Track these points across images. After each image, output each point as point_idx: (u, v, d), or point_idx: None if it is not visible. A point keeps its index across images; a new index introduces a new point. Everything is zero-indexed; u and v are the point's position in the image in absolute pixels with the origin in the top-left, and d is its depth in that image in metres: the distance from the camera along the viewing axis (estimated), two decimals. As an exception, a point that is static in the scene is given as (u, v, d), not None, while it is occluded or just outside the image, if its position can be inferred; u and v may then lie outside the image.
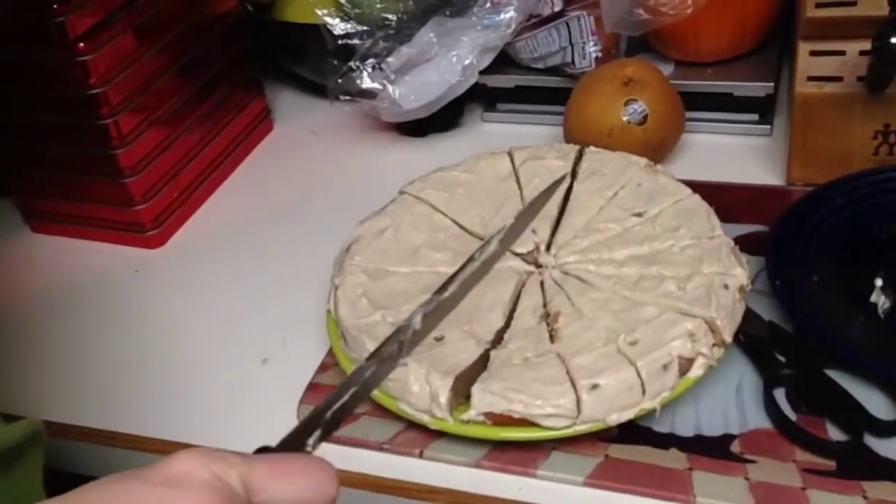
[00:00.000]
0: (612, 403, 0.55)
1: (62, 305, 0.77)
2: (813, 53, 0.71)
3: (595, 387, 0.55)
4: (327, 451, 0.59)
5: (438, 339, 0.59)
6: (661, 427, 0.57)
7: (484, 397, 0.55)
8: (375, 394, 0.59)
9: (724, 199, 0.69)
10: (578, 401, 0.54)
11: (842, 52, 0.70)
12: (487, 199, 0.71)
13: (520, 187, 0.72)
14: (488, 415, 0.55)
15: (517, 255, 0.67)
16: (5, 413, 0.65)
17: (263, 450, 0.38)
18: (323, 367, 0.65)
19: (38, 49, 0.74)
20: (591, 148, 0.74)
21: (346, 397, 0.42)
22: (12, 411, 0.66)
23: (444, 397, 0.55)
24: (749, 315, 0.61)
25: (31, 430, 0.53)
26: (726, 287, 0.60)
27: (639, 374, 0.55)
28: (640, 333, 0.57)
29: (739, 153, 0.81)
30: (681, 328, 0.57)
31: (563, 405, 0.54)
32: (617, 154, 0.73)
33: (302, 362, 0.66)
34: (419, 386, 0.56)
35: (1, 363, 0.71)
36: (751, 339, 0.61)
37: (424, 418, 0.57)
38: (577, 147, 0.74)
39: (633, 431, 0.57)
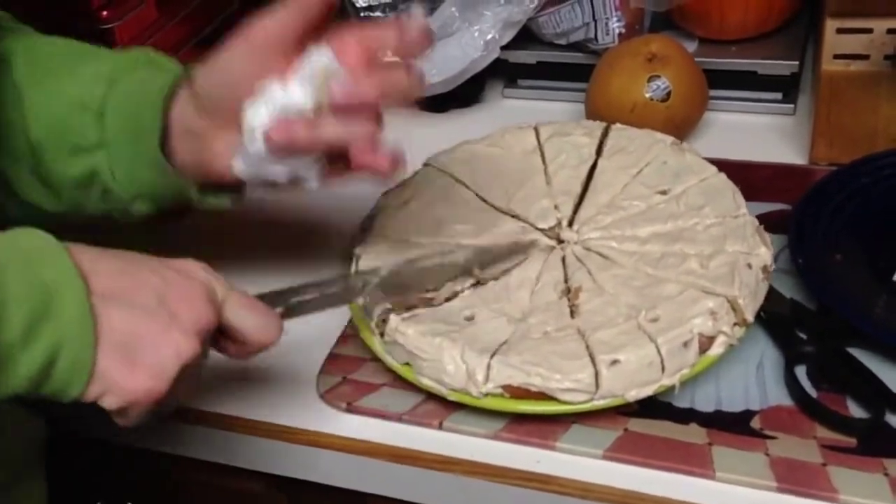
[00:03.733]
0: (632, 379, 0.55)
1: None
2: (840, 31, 0.71)
3: (615, 362, 0.55)
4: (349, 420, 0.59)
5: (469, 319, 0.60)
6: (681, 402, 0.57)
7: (502, 370, 0.55)
8: (395, 365, 0.59)
9: (747, 178, 0.69)
10: (597, 376, 0.54)
11: (869, 30, 0.70)
12: (511, 173, 0.71)
13: (544, 163, 0.72)
14: (506, 387, 0.55)
15: (539, 230, 0.67)
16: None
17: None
18: (343, 338, 0.65)
19: (63, 17, 0.74)
20: (617, 125, 0.73)
21: (306, 296, 0.57)
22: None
23: (481, 375, 0.55)
24: (771, 293, 0.61)
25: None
26: (750, 266, 0.60)
27: (659, 351, 0.55)
28: (661, 310, 0.57)
29: (763, 132, 0.81)
30: (702, 306, 0.57)
31: (582, 380, 0.54)
32: (643, 131, 0.72)
33: (322, 332, 0.66)
34: (454, 365, 0.56)
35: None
36: (773, 316, 0.61)
37: (443, 390, 0.57)
38: (604, 124, 0.74)
39: (652, 406, 0.57)
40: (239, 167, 0.55)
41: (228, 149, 0.55)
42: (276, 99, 0.52)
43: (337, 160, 0.54)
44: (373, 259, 0.64)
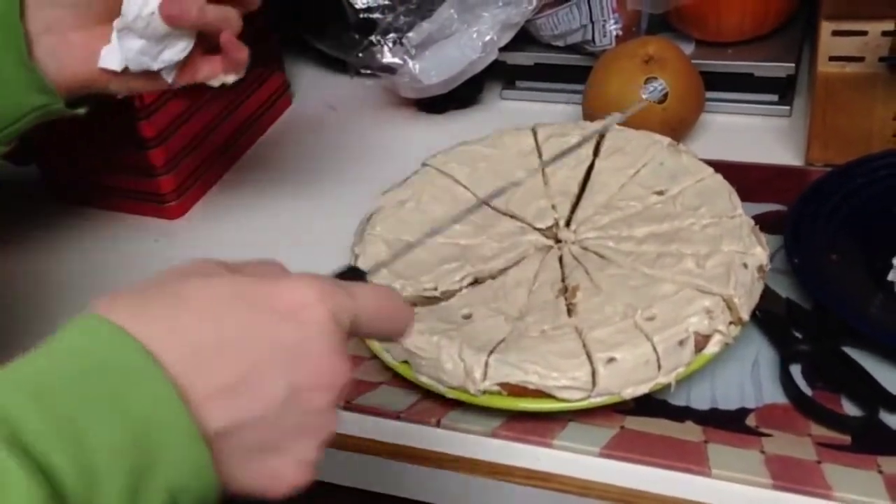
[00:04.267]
0: (628, 377, 0.55)
1: (81, 273, 0.78)
2: (835, 33, 0.71)
3: (611, 360, 0.55)
4: (347, 418, 0.60)
5: (467, 317, 0.60)
6: (677, 400, 0.58)
7: (500, 368, 0.56)
8: (393, 363, 0.60)
9: (743, 179, 0.69)
10: (594, 374, 0.55)
11: (864, 33, 0.70)
12: (509, 173, 0.72)
13: (543, 162, 0.72)
14: (504, 385, 0.56)
15: (537, 230, 0.67)
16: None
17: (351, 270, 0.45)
18: (342, 337, 0.65)
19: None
20: (615, 126, 0.74)
21: None
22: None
23: (478, 373, 0.56)
24: (767, 293, 0.61)
25: None
26: (745, 266, 0.60)
27: (655, 349, 0.55)
28: (657, 309, 0.58)
29: (759, 133, 0.81)
30: (698, 305, 0.57)
31: (579, 378, 0.55)
32: (640, 132, 0.73)
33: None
34: (452, 363, 0.56)
35: (20, 331, 0.72)
36: (768, 315, 0.61)
37: (441, 388, 0.57)
38: (601, 125, 0.74)
39: (648, 404, 0.57)
40: (111, 59, 0.58)
41: (92, 44, 0.58)
42: None
43: (196, 52, 0.60)
44: (371, 259, 0.65)
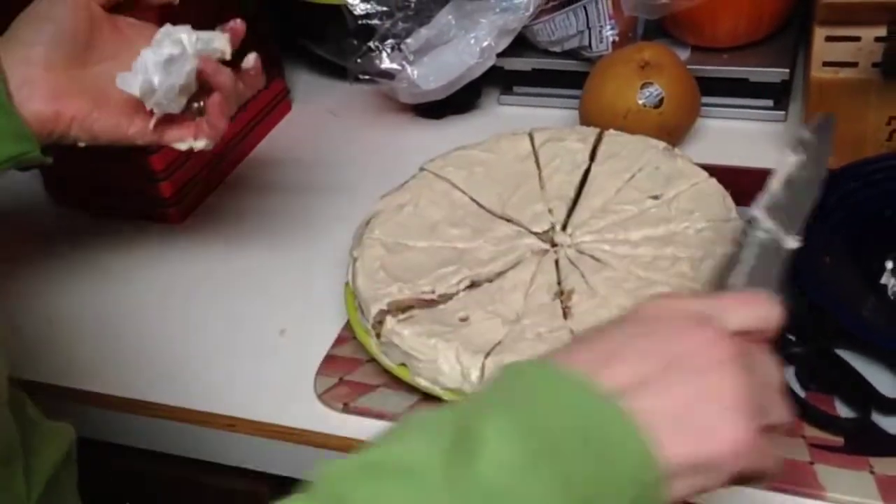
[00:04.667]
0: (625, 378, 0.56)
1: (81, 278, 0.79)
2: (829, 39, 0.72)
3: (608, 362, 0.56)
4: (346, 421, 0.60)
5: (464, 320, 0.61)
6: (672, 402, 0.58)
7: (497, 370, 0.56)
8: (391, 366, 0.60)
9: (738, 183, 0.70)
10: (591, 375, 0.55)
11: (857, 38, 0.71)
12: (506, 178, 0.72)
13: (539, 168, 0.73)
14: (502, 387, 0.56)
15: (533, 233, 0.68)
16: (29, 380, 0.66)
17: None
18: (340, 340, 0.66)
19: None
20: (611, 131, 0.75)
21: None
22: (32, 378, 0.67)
23: (475, 375, 0.56)
24: (760, 295, 0.62)
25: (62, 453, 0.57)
26: (739, 268, 0.61)
27: (651, 351, 0.56)
28: (652, 311, 0.58)
29: (754, 138, 0.82)
30: (693, 306, 0.58)
31: (576, 379, 0.55)
32: (636, 137, 0.73)
33: (319, 334, 0.67)
34: (449, 366, 0.57)
35: (25, 334, 0.73)
36: (762, 318, 0.62)
37: (438, 390, 0.58)
38: (597, 129, 0.75)
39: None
40: (131, 83, 0.58)
41: (58, 85, 0.58)
42: (197, 40, 0.59)
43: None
44: (369, 262, 0.65)
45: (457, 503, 0.32)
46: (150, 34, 0.60)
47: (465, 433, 0.33)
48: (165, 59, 0.58)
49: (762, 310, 0.41)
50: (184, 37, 0.59)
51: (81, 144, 0.61)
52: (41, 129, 0.58)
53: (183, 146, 0.62)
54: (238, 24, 0.63)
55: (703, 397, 0.36)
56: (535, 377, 0.36)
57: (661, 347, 0.37)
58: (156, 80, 0.58)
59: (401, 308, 0.61)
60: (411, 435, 0.35)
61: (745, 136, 0.83)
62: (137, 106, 0.60)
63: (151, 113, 0.60)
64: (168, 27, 0.60)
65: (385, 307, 0.61)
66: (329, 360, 0.65)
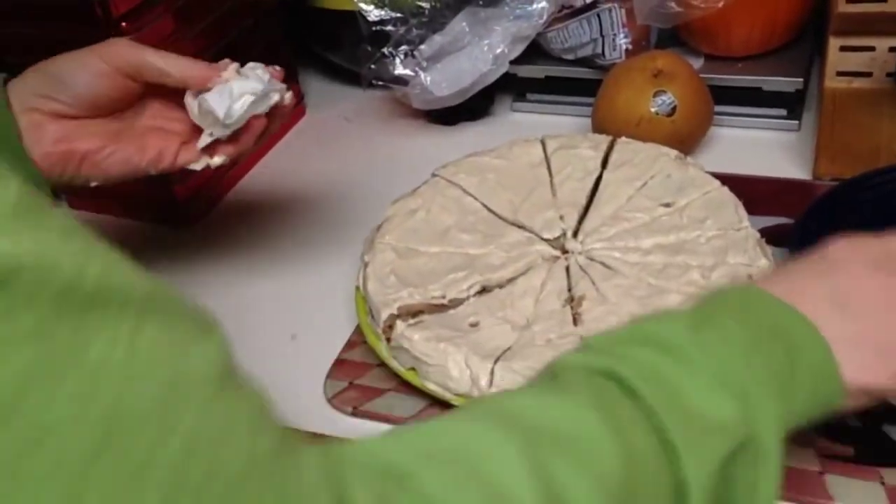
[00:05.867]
0: (634, 385, 0.56)
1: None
2: (843, 49, 0.72)
3: (617, 369, 0.56)
4: (355, 425, 0.60)
5: (474, 325, 0.61)
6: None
7: (505, 375, 0.56)
8: (400, 370, 0.60)
9: (751, 192, 0.70)
10: (600, 382, 0.55)
11: (871, 48, 0.71)
12: (518, 184, 0.72)
13: (550, 175, 0.73)
14: (511, 393, 0.56)
15: (544, 240, 0.68)
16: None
17: None
18: (350, 344, 0.66)
19: (81, 27, 0.75)
20: (623, 138, 0.75)
21: None
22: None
23: (484, 380, 0.56)
24: (772, 305, 0.62)
25: None
26: (750, 277, 0.61)
27: (661, 358, 0.56)
28: (663, 319, 0.58)
29: (767, 148, 0.82)
30: (703, 314, 0.58)
31: (586, 385, 0.55)
32: (648, 145, 0.73)
33: (330, 338, 0.67)
34: (459, 370, 0.57)
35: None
36: (773, 328, 0.62)
37: (447, 395, 0.58)
38: (610, 137, 0.75)
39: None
40: (217, 107, 0.59)
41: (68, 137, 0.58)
42: (258, 83, 0.60)
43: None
44: (380, 267, 0.66)
45: (701, 364, 0.39)
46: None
47: (703, 321, 0.41)
48: (252, 91, 0.59)
49: None
50: (265, 75, 0.60)
51: (93, 184, 0.60)
52: (51, 170, 0.58)
53: (198, 166, 0.62)
54: (278, 70, 0.63)
55: (882, 331, 0.44)
56: (749, 296, 0.44)
57: (845, 287, 0.45)
58: (237, 106, 0.58)
59: (411, 313, 0.61)
60: (659, 323, 0.42)
61: (758, 145, 0.83)
62: (148, 137, 0.60)
63: (197, 134, 0.61)
64: (253, 63, 0.61)
65: (395, 311, 0.61)
66: (339, 364, 0.65)
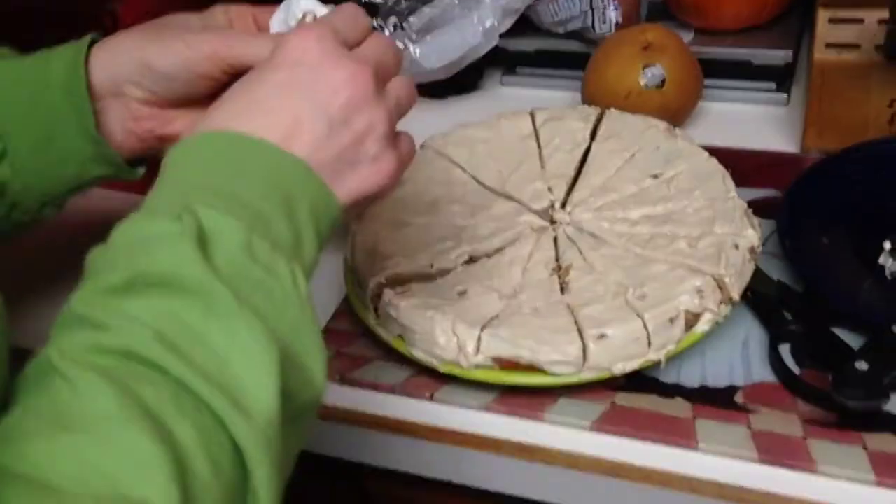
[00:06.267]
0: (619, 353, 0.56)
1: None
2: (832, 21, 0.72)
3: (602, 337, 0.56)
4: (343, 393, 0.61)
5: (461, 294, 0.61)
6: (668, 377, 0.58)
7: (492, 342, 0.56)
8: (387, 338, 0.60)
9: (739, 164, 0.70)
10: (585, 349, 0.56)
11: (860, 20, 0.71)
12: (507, 156, 0.72)
13: (539, 147, 0.73)
14: (496, 359, 0.56)
15: (533, 211, 0.68)
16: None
17: None
18: (337, 315, 0.66)
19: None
20: (612, 110, 0.75)
21: None
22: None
23: (471, 347, 0.56)
24: (758, 274, 0.62)
25: None
26: (737, 247, 0.61)
27: (645, 327, 0.56)
28: (648, 288, 0.59)
29: (756, 121, 0.82)
30: (689, 284, 0.58)
31: (570, 353, 0.56)
32: (637, 117, 0.73)
33: (317, 309, 0.67)
34: (446, 338, 0.57)
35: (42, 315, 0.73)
36: (759, 296, 0.62)
37: (434, 362, 0.58)
38: (598, 109, 0.75)
39: (639, 381, 0.58)
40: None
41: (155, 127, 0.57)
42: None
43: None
44: (369, 237, 0.66)
45: (221, 301, 0.38)
46: None
47: (200, 231, 0.39)
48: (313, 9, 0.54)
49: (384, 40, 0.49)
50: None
51: None
52: (132, 146, 0.58)
53: None
54: None
55: (358, 140, 0.45)
56: (229, 146, 0.43)
57: (309, 96, 0.44)
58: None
59: (399, 282, 0.61)
60: (156, 246, 0.39)
61: (747, 118, 0.83)
62: None
63: None
64: None
65: (383, 280, 0.61)
66: (326, 333, 0.64)
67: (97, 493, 0.32)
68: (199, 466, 0.35)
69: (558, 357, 0.55)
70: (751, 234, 0.62)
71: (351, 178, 0.46)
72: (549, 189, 0.70)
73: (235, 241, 0.40)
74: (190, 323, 0.37)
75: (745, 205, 0.65)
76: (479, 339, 0.57)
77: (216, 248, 0.39)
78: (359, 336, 0.64)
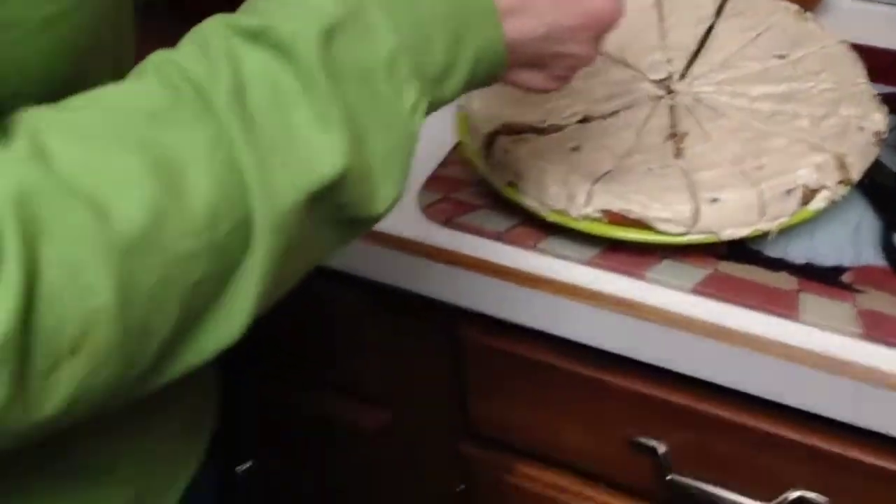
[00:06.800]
0: (730, 219, 0.56)
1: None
2: None
3: (715, 200, 0.56)
4: (448, 235, 0.61)
5: (575, 149, 0.61)
6: (773, 252, 0.58)
7: (603, 195, 0.57)
8: (498, 185, 0.61)
9: (873, 60, 0.67)
10: (697, 211, 0.55)
11: None
12: (627, 26, 0.69)
13: (661, 18, 0.72)
14: (605, 212, 0.57)
15: (650, 80, 0.67)
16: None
17: None
18: (447, 163, 0.67)
19: None
20: (738, -11, 0.73)
21: None
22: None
23: (582, 198, 0.57)
24: (880, 165, 0.60)
25: None
26: (861, 129, 0.59)
27: (761, 196, 0.56)
28: (766, 160, 0.58)
29: (889, 20, 0.79)
30: (809, 159, 0.57)
31: (681, 212, 0.55)
32: (767, -2, 0.71)
33: (426, 156, 0.67)
34: (557, 187, 0.57)
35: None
36: (876, 185, 0.61)
37: (542, 210, 0.58)
38: (726, -14, 0.73)
39: (743, 252, 0.58)
40: None
41: None
42: None
43: None
44: (484, 107, 0.65)
45: (326, 84, 0.36)
46: None
47: (353, 17, 0.38)
48: None
49: None
50: None
51: None
52: None
53: None
54: None
55: (556, 57, 0.46)
56: None
57: None
58: None
59: (513, 131, 0.62)
60: (298, 7, 0.37)
61: (877, 17, 0.79)
62: None
63: None
64: None
65: (499, 127, 0.61)
66: (434, 178, 0.66)
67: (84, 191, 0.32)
68: (195, 217, 0.33)
69: (668, 215, 0.55)
70: (878, 118, 0.60)
71: (529, 70, 0.47)
72: (668, 61, 0.68)
73: (373, 51, 0.38)
74: (284, 88, 0.36)
75: (875, 90, 0.63)
76: (590, 191, 0.57)
77: (347, 44, 0.38)
78: (468, 183, 0.64)
